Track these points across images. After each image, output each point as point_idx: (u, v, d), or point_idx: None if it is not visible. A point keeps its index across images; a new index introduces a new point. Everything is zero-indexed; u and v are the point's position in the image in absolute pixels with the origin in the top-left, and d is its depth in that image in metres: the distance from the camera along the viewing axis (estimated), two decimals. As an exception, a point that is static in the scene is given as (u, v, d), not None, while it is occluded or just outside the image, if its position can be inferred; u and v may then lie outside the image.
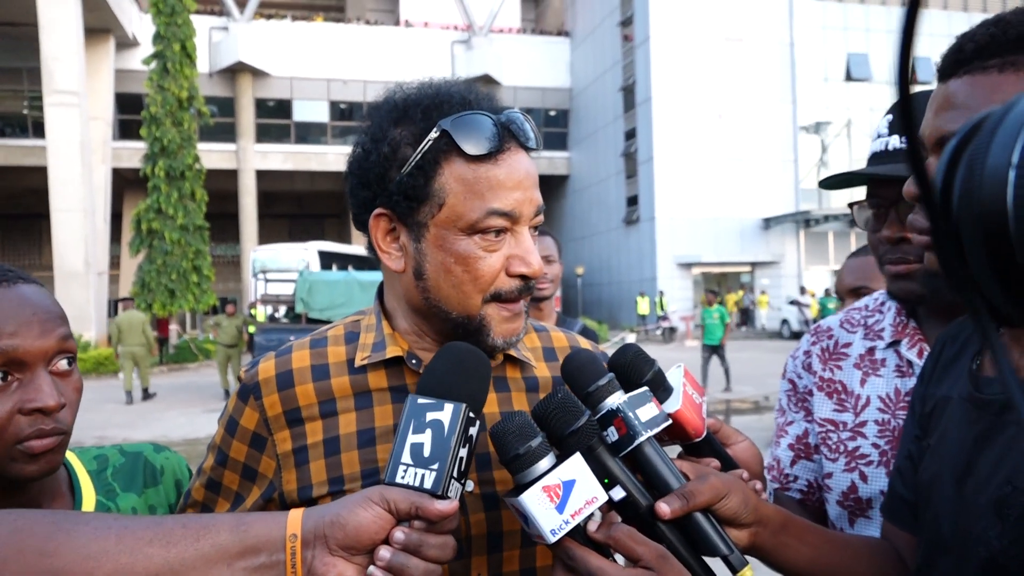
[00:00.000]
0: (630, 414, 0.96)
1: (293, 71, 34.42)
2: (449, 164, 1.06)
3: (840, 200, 31.39)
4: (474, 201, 1.05)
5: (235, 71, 33.37)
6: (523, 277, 1.08)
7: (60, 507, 1.16)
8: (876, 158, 1.37)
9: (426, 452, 0.88)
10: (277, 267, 18.72)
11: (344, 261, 21.48)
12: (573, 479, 0.88)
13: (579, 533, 0.91)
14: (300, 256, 21.14)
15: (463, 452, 0.90)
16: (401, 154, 1.09)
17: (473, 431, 0.92)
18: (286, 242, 28.36)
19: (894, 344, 1.38)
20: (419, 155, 1.07)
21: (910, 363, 1.35)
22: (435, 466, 0.88)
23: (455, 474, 0.89)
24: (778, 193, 31.12)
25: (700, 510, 0.95)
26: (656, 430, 0.97)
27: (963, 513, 0.93)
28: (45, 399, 1.02)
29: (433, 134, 1.06)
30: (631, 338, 25.96)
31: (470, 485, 1.12)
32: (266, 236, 34.92)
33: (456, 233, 1.07)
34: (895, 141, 1.33)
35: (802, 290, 27.80)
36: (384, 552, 0.84)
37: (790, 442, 1.47)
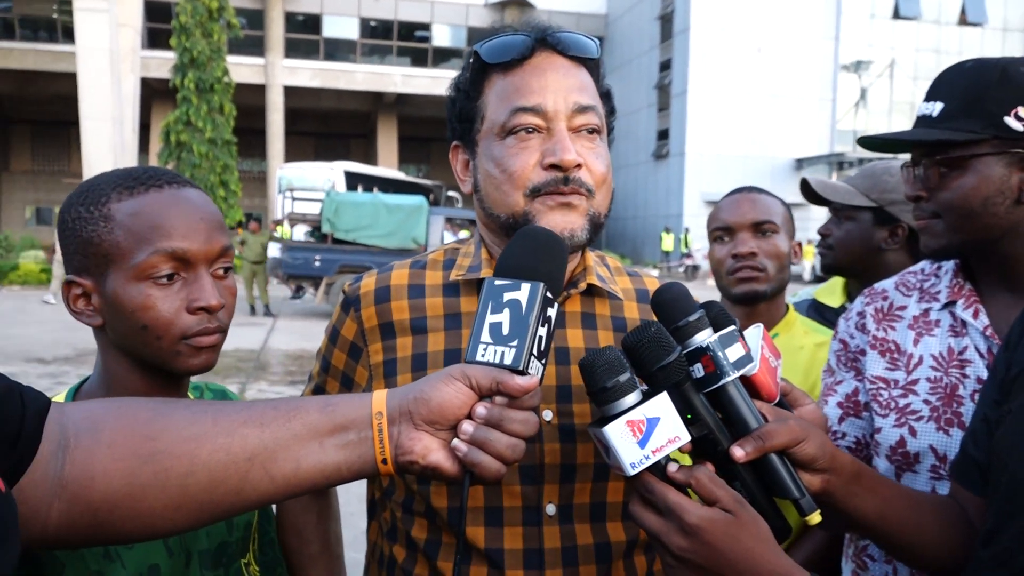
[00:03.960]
0: (720, 353, 0.96)
1: (324, -16, 33.72)
2: (490, 83, 1.17)
3: (876, 143, 30.60)
4: (503, 105, 1.15)
5: (265, -18, 32.73)
6: (558, 168, 1.10)
7: None
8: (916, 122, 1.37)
9: (505, 330, 0.88)
10: (303, 185, 18.71)
11: (370, 183, 21.40)
12: (658, 417, 0.89)
13: (657, 470, 0.92)
14: (326, 175, 21.07)
15: (542, 331, 0.90)
16: (460, 87, 1.22)
17: (551, 312, 0.92)
18: (311, 160, 28.29)
19: (949, 305, 1.37)
20: (465, 81, 1.20)
21: (964, 323, 1.34)
22: (514, 343, 0.88)
23: (535, 352, 0.89)
24: (813, 133, 30.44)
25: (776, 452, 0.96)
26: (742, 371, 0.97)
27: None
28: (208, 298, 1.09)
29: (471, 60, 1.19)
30: (654, 274, 25.90)
31: (548, 415, 1.15)
32: (292, 154, 34.83)
33: (494, 140, 1.16)
34: (924, 108, 1.34)
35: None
36: (467, 426, 0.85)
37: (839, 400, 1.47)
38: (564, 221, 1.12)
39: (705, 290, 21.43)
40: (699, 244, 28.60)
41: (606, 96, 1.22)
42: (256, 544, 1.33)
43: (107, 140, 21.10)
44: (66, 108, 27.73)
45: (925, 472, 1.32)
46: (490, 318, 0.90)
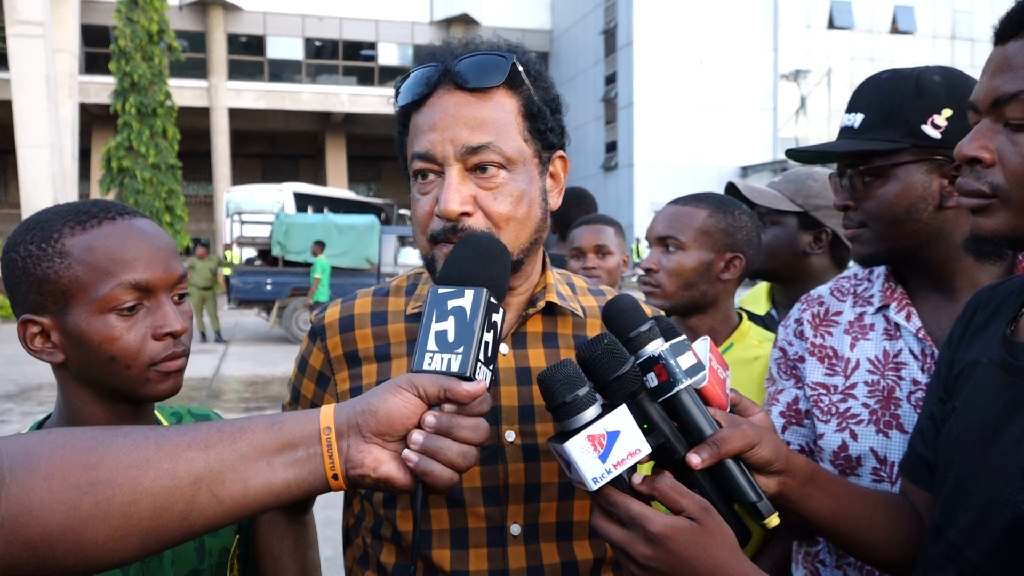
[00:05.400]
0: (672, 361, 0.97)
1: (266, 5, 33.40)
2: (411, 121, 1.16)
3: (817, 150, 31.42)
4: (409, 148, 1.15)
5: (206, 4, 32.32)
6: (444, 217, 1.10)
7: None
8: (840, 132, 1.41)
9: (450, 338, 0.89)
10: (252, 208, 18.49)
11: (320, 203, 21.21)
12: (618, 430, 0.90)
13: (620, 482, 0.92)
14: (275, 198, 20.88)
15: (488, 337, 0.90)
16: (397, 125, 1.21)
17: (497, 317, 0.92)
18: (260, 183, 27.96)
19: (883, 308, 1.41)
20: (398, 118, 1.19)
21: (898, 326, 1.38)
22: (460, 350, 0.88)
23: (482, 359, 0.89)
24: (756, 141, 31.08)
25: (731, 457, 0.97)
26: (695, 379, 0.98)
27: (988, 476, 0.95)
28: (173, 324, 1.11)
29: (393, 97, 1.18)
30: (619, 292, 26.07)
31: (511, 435, 1.15)
32: (239, 176, 34.35)
33: (412, 180, 1.16)
34: (846, 119, 1.38)
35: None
36: (417, 436, 0.85)
37: (781, 409, 1.49)
38: None
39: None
40: (651, 254, 28.92)
41: (532, 115, 1.15)
42: (235, 571, 1.31)
43: (46, 168, 20.53)
44: (1, 136, 26.92)
45: (867, 475, 1.34)
46: (435, 326, 0.90)
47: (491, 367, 0.92)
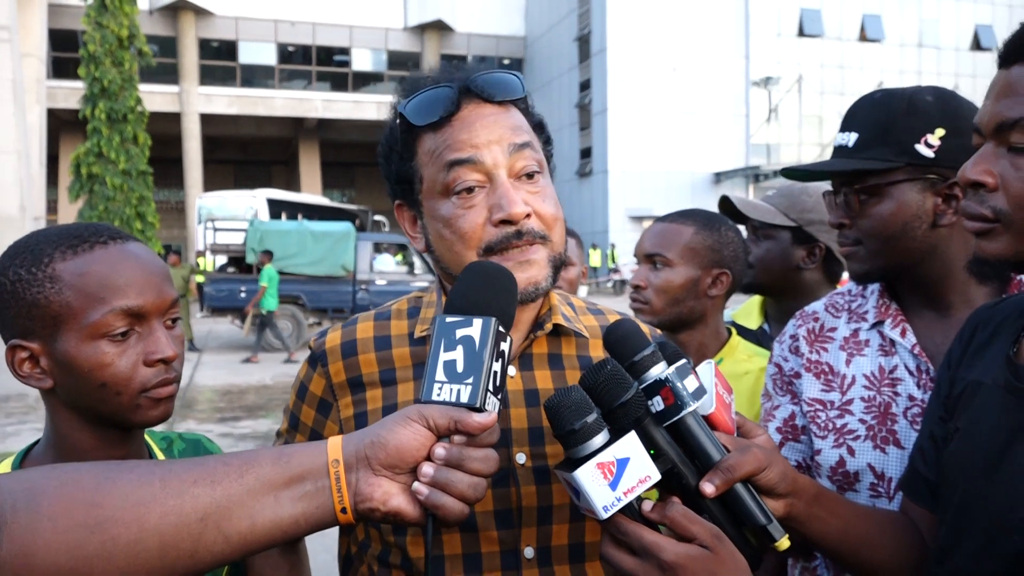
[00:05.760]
0: (678, 384, 0.95)
1: (238, 10, 33.15)
2: (421, 142, 1.15)
3: (789, 157, 31.91)
4: (438, 163, 1.13)
5: (177, 8, 32.01)
6: (508, 222, 1.09)
7: None
8: (834, 152, 1.43)
9: (459, 368, 0.87)
10: (224, 215, 18.28)
11: (294, 210, 21.06)
12: (627, 457, 0.89)
13: (629, 510, 0.91)
14: (248, 204, 20.69)
15: (496, 366, 0.89)
16: (393, 148, 1.21)
17: (504, 346, 0.91)
18: (232, 189, 27.71)
19: (877, 324, 1.42)
20: (396, 142, 1.18)
21: (892, 342, 1.39)
22: (469, 380, 0.87)
23: (491, 388, 0.88)
24: (729, 147, 31.41)
25: (741, 481, 0.97)
26: (700, 402, 0.97)
27: (995, 500, 0.95)
28: (165, 350, 1.09)
29: (397, 121, 1.17)
30: (583, 291, 26.18)
31: (522, 457, 1.14)
32: (211, 182, 33.98)
33: (438, 200, 1.14)
34: (840, 138, 1.40)
35: (750, 244, 28.32)
36: (427, 468, 0.84)
37: (778, 425, 1.49)
38: (526, 277, 1.11)
39: (634, 304, 21.68)
40: (626, 259, 29.10)
41: (539, 126, 1.21)
42: None
43: (12, 174, 20.17)
44: (-34, 142, 26.37)
45: (865, 491, 1.35)
46: (443, 356, 0.88)
47: (499, 396, 0.90)
